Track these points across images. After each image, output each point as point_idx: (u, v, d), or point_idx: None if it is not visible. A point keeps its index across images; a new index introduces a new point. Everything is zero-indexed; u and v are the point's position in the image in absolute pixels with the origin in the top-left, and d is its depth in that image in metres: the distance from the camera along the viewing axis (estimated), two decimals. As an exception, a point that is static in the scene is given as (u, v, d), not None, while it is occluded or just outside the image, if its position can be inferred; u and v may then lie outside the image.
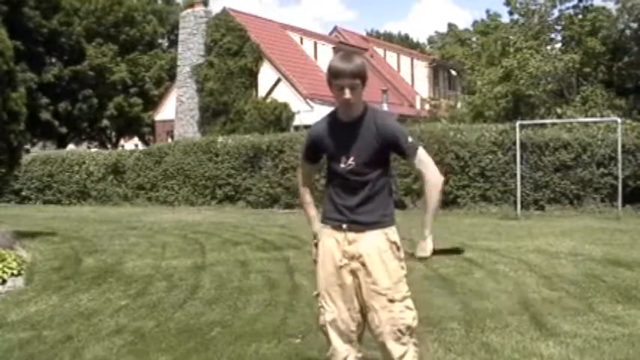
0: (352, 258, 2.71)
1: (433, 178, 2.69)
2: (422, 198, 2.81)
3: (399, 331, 2.66)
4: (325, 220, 2.83)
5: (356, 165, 2.69)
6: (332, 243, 2.75)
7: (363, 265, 2.69)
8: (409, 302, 2.72)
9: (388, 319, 2.66)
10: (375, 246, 2.70)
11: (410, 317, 2.69)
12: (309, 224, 2.98)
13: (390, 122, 2.76)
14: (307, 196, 3.02)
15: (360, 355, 2.80)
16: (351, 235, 2.72)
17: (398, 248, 2.74)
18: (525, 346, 3.81)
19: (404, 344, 2.67)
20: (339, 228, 2.74)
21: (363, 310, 2.73)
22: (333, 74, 2.63)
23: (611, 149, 11.93)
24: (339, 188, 2.76)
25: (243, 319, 4.63)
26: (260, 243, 8.61)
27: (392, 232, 2.75)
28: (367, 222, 2.71)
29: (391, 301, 2.67)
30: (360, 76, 2.62)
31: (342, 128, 2.73)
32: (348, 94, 2.61)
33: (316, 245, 2.86)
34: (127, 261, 7.30)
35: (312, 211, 2.98)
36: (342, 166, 2.71)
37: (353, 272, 2.71)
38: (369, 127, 2.70)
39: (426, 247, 2.73)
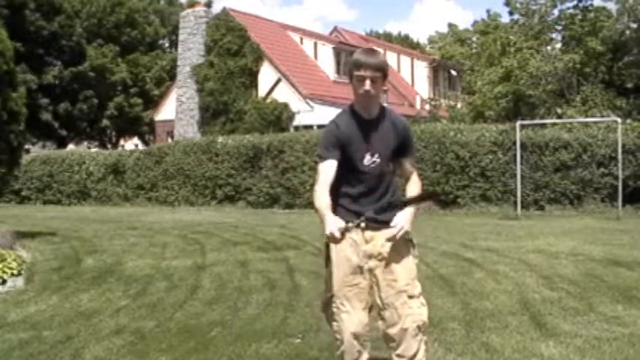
0: (370, 257, 2.71)
1: (419, 181, 2.88)
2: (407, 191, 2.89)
3: (418, 327, 2.69)
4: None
5: (380, 162, 2.72)
6: (347, 243, 2.72)
7: (383, 262, 2.69)
8: (423, 299, 2.76)
9: (408, 315, 2.68)
10: (396, 242, 2.72)
11: (425, 313, 2.75)
12: (325, 222, 2.57)
13: (405, 121, 2.89)
14: (327, 197, 2.67)
15: (368, 356, 2.80)
16: (369, 234, 2.73)
17: (413, 245, 2.80)
18: (525, 346, 3.81)
19: (419, 341, 2.71)
20: (356, 226, 2.72)
21: (377, 309, 2.74)
22: (356, 65, 2.68)
23: (612, 149, 11.94)
24: (355, 187, 2.74)
25: (243, 319, 4.63)
26: (260, 243, 8.61)
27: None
28: (385, 220, 2.72)
29: (410, 297, 2.70)
30: (382, 70, 2.69)
31: (366, 125, 2.74)
32: (368, 85, 2.65)
33: (327, 246, 2.82)
34: (127, 261, 7.30)
35: (330, 212, 2.63)
36: (366, 163, 2.71)
37: (370, 271, 2.72)
38: (389, 125, 2.77)
39: (407, 222, 2.70)
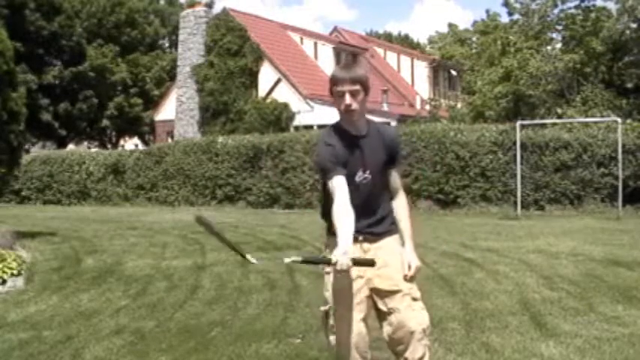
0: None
1: (407, 202, 2.90)
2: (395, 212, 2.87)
3: (424, 330, 2.68)
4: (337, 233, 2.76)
5: (372, 178, 2.72)
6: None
7: (381, 270, 2.69)
8: (421, 302, 2.76)
9: (413, 317, 2.67)
10: (392, 249, 2.74)
11: (427, 317, 2.74)
12: (344, 242, 2.45)
13: (393, 132, 2.89)
14: (351, 218, 2.54)
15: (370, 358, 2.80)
16: (366, 246, 2.74)
17: None
18: (525, 347, 3.81)
19: (424, 345, 2.70)
20: (353, 240, 2.66)
21: (381, 315, 2.74)
22: (333, 82, 2.67)
23: (612, 149, 11.94)
24: (350, 201, 2.69)
25: (243, 319, 4.63)
26: (260, 243, 8.61)
27: (399, 237, 2.83)
28: (381, 232, 2.76)
29: (414, 299, 2.70)
30: (361, 82, 2.65)
31: (355, 141, 2.72)
32: (348, 99, 2.63)
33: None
34: (127, 261, 7.30)
35: (350, 238, 2.49)
36: (358, 179, 2.70)
37: (369, 280, 2.71)
38: (377, 139, 2.76)
39: (416, 259, 2.78)
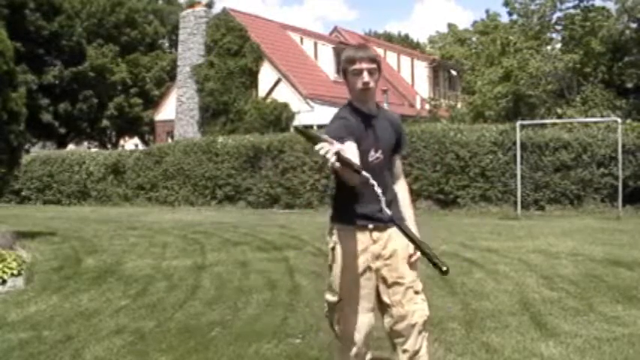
0: (378, 257, 2.71)
1: (406, 185, 2.95)
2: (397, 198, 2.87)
3: (424, 322, 2.72)
4: (345, 221, 2.74)
5: (383, 158, 2.71)
6: (354, 245, 2.70)
7: (389, 260, 2.70)
8: (423, 294, 2.78)
9: (415, 311, 2.69)
10: (400, 242, 2.70)
11: (427, 309, 2.76)
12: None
13: (398, 117, 2.94)
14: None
15: (371, 356, 2.81)
16: (376, 235, 2.72)
17: None
18: (525, 346, 3.81)
19: (423, 337, 2.74)
20: (363, 228, 2.70)
21: (383, 307, 2.75)
22: (351, 60, 2.66)
23: (612, 149, 11.93)
24: (361, 186, 2.69)
25: (243, 319, 4.63)
26: (260, 243, 8.61)
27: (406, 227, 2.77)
28: (389, 220, 2.71)
29: (416, 293, 2.73)
30: (377, 62, 2.68)
31: (368, 120, 2.71)
32: (366, 76, 2.64)
33: (333, 249, 2.77)
34: (127, 261, 7.30)
35: None
36: (370, 158, 2.67)
37: (377, 271, 2.72)
38: (387, 121, 2.78)
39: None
